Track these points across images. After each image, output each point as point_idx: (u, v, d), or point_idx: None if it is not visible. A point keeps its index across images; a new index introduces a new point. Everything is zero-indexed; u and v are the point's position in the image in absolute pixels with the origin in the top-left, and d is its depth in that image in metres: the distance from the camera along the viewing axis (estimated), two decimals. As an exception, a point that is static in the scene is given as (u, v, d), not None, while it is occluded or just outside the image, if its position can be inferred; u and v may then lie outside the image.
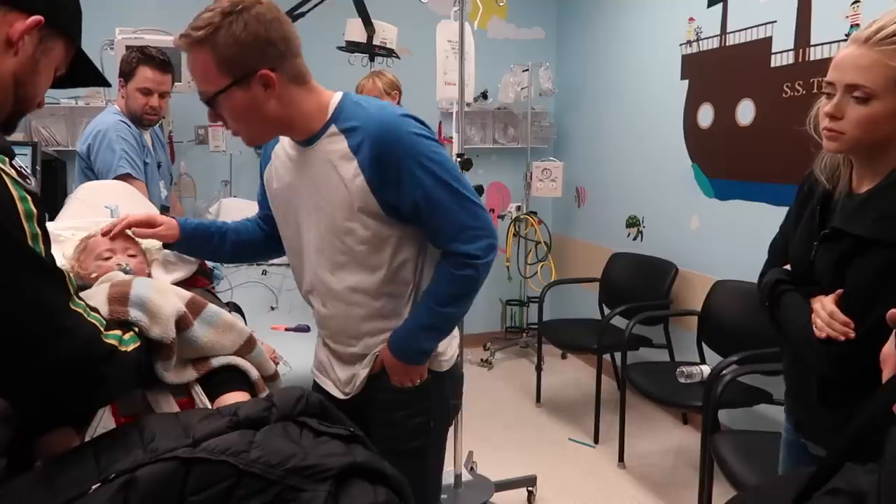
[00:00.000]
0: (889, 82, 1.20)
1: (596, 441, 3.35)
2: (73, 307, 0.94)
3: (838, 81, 1.26)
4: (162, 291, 1.21)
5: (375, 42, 3.15)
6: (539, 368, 3.91)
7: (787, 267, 1.49)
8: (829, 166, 1.39)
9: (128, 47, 3.01)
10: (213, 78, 1.26)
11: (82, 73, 1.12)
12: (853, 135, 1.26)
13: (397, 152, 1.33)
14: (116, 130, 2.39)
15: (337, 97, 1.40)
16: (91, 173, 2.39)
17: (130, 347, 1.05)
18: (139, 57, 2.46)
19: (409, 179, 1.34)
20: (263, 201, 1.64)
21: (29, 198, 0.90)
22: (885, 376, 0.80)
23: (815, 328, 1.29)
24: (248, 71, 1.25)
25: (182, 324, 1.20)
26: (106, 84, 1.24)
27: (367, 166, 1.33)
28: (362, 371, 1.49)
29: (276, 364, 1.45)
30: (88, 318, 0.97)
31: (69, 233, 1.58)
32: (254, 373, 1.32)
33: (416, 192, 1.35)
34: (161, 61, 2.47)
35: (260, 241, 1.69)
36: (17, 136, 3.57)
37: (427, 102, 3.30)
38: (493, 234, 1.43)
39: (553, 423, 3.61)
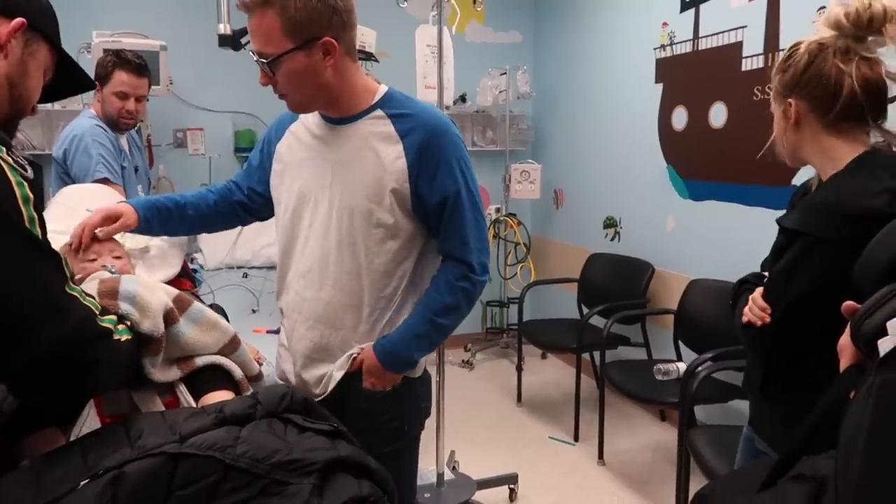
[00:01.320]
0: (775, 94, 1.37)
1: (576, 439, 3.40)
2: (69, 290, 0.97)
3: None
4: (150, 287, 1.23)
5: (354, 46, 3.18)
6: (519, 368, 3.94)
7: (761, 272, 1.55)
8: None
9: (105, 50, 3.01)
10: (277, 40, 1.29)
11: (69, 79, 1.16)
12: (779, 147, 1.42)
13: (444, 147, 1.42)
14: (93, 135, 2.38)
15: (385, 87, 1.47)
16: (68, 178, 2.38)
17: (124, 338, 1.07)
18: (115, 61, 2.45)
19: (446, 174, 1.42)
20: (256, 173, 1.63)
21: (25, 183, 0.93)
22: (842, 366, 0.83)
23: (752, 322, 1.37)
24: (312, 36, 1.30)
25: (169, 319, 1.21)
26: (92, 86, 1.25)
27: (413, 152, 1.40)
28: (337, 373, 1.50)
29: (261, 364, 1.46)
30: (84, 302, 1.00)
31: (51, 237, 1.58)
32: (238, 372, 1.33)
33: (449, 188, 1.42)
34: (137, 65, 2.47)
35: (223, 214, 1.68)
36: (-9, 140, 3.54)
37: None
38: (489, 256, 1.53)
39: (533, 422, 3.65)
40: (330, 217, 1.46)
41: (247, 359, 1.37)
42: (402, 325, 1.49)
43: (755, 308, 1.35)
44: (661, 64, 3.48)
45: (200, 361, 1.25)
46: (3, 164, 0.91)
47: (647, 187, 3.61)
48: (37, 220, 0.94)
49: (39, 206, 0.96)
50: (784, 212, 1.45)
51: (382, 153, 1.42)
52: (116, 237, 1.62)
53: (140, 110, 2.56)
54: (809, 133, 1.35)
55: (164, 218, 1.62)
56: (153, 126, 3.93)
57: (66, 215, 1.75)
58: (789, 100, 1.34)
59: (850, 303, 0.85)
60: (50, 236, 1.57)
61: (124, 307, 1.13)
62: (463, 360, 4.51)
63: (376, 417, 1.51)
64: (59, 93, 1.18)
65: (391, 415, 1.53)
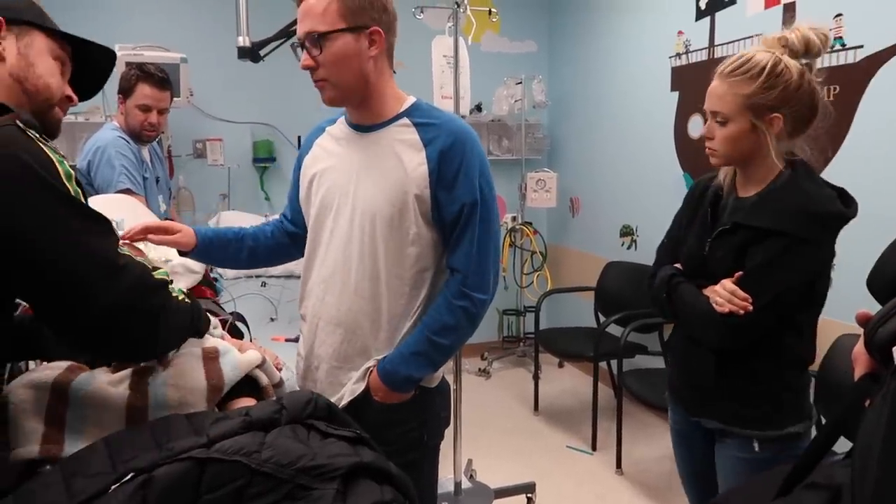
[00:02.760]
0: (739, 107, 1.46)
1: (594, 448, 3.39)
2: (121, 251, 1.03)
3: (707, 109, 1.54)
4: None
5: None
6: (536, 377, 3.94)
7: (677, 266, 1.68)
8: (722, 174, 1.64)
9: (128, 64, 3.07)
10: (332, 19, 1.36)
11: (93, 60, 1.20)
12: (722, 151, 1.53)
13: (466, 154, 1.44)
14: (115, 146, 2.43)
15: (413, 97, 1.51)
16: (91, 189, 2.43)
17: (180, 296, 1.13)
18: (138, 74, 2.50)
19: (465, 183, 1.44)
20: (295, 194, 1.66)
21: (64, 160, 0.99)
22: (857, 375, 0.84)
23: (715, 305, 1.49)
24: (364, 23, 1.38)
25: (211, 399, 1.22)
26: (113, 57, 1.25)
27: (435, 159, 1.42)
28: (354, 385, 1.50)
29: (280, 370, 1.48)
30: (137, 259, 1.05)
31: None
32: (263, 379, 1.35)
33: (466, 197, 1.44)
34: (160, 79, 2.51)
35: (279, 245, 1.72)
36: (16, 152, 3.61)
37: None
38: (496, 273, 1.53)
39: (551, 431, 3.64)
40: (352, 222, 1.48)
41: (270, 370, 1.38)
42: (402, 344, 1.49)
43: (736, 300, 1.46)
44: (676, 72, 3.49)
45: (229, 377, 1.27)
46: (42, 145, 0.97)
47: (663, 195, 3.60)
48: (80, 194, 0.99)
49: (80, 183, 1.01)
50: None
51: (406, 159, 1.44)
52: (140, 246, 1.66)
53: (162, 122, 2.61)
54: (774, 144, 1.48)
55: (222, 246, 1.65)
56: (174, 137, 3.99)
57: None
58: (776, 114, 1.46)
59: (863, 311, 0.85)
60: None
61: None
62: (480, 369, 4.51)
63: (394, 427, 1.52)
64: (94, 79, 1.22)
65: (409, 425, 1.53)
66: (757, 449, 1.53)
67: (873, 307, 0.81)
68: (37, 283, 0.96)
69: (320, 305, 1.54)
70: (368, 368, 1.51)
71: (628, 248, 3.97)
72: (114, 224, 1.76)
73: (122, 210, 1.88)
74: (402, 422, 1.53)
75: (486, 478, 2.94)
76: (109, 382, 1.18)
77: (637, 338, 3.35)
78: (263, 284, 3.56)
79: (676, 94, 3.49)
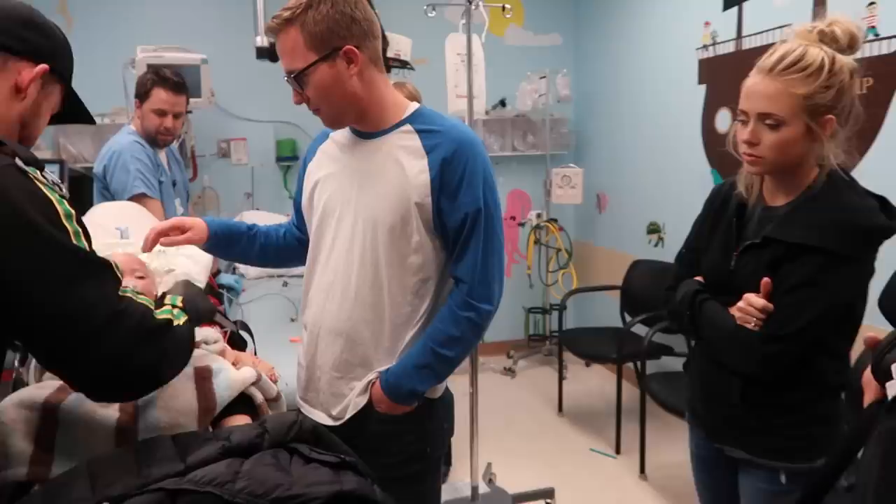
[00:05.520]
0: (795, 108, 1.32)
1: (618, 452, 3.32)
2: (122, 294, 1.00)
3: (751, 110, 1.37)
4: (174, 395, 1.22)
5: (389, 54, 3.17)
6: (560, 377, 3.88)
7: (699, 279, 1.56)
8: (745, 181, 1.50)
9: (148, 66, 3.09)
10: (302, 54, 1.34)
11: (73, 110, 1.20)
12: (770, 158, 1.37)
13: (469, 162, 1.40)
14: (131, 151, 2.44)
15: (415, 104, 1.49)
16: (108, 193, 2.45)
17: (182, 320, 1.11)
18: (154, 79, 2.50)
19: (469, 191, 1.40)
20: (300, 200, 1.64)
21: (65, 200, 0.97)
22: (866, 401, 0.80)
23: (743, 323, 1.38)
24: (334, 47, 1.34)
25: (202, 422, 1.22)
26: (91, 121, 1.28)
27: (437, 167, 1.39)
28: (357, 398, 1.48)
29: (275, 381, 1.46)
30: (138, 300, 1.03)
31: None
32: (259, 397, 1.33)
33: (470, 206, 1.40)
34: (175, 83, 2.52)
35: (289, 247, 1.71)
36: (44, 153, 3.68)
37: (445, 112, 3.31)
38: (501, 283, 1.48)
39: (575, 433, 3.58)
40: (354, 230, 1.45)
41: (266, 386, 1.36)
42: (405, 356, 1.46)
43: (752, 310, 1.37)
44: (703, 64, 3.37)
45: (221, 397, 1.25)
46: (40, 184, 0.95)
47: (690, 192, 3.49)
48: (81, 233, 0.98)
49: (81, 219, 0.99)
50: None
51: (407, 167, 1.41)
52: (143, 258, 1.65)
53: (178, 127, 2.61)
54: (830, 149, 1.36)
55: (234, 240, 1.64)
56: (197, 137, 4.02)
57: (95, 233, 1.78)
58: (830, 115, 1.33)
59: (871, 335, 0.82)
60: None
61: None
62: (505, 368, 4.47)
63: (396, 439, 1.49)
64: (58, 119, 1.20)
65: (412, 437, 1.50)
66: (784, 482, 1.42)
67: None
68: (35, 333, 0.95)
69: (321, 314, 1.52)
70: (370, 381, 1.48)
71: (655, 245, 3.87)
72: (118, 232, 1.78)
73: (127, 218, 1.89)
74: (405, 433, 1.50)
75: (506, 482, 2.90)
76: (99, 403, 1.17)
77: (664, 339, 3.26)
78: (285, 284, 3.56)
79: (704, 87, 3.38)
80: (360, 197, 1.45)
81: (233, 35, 3.88)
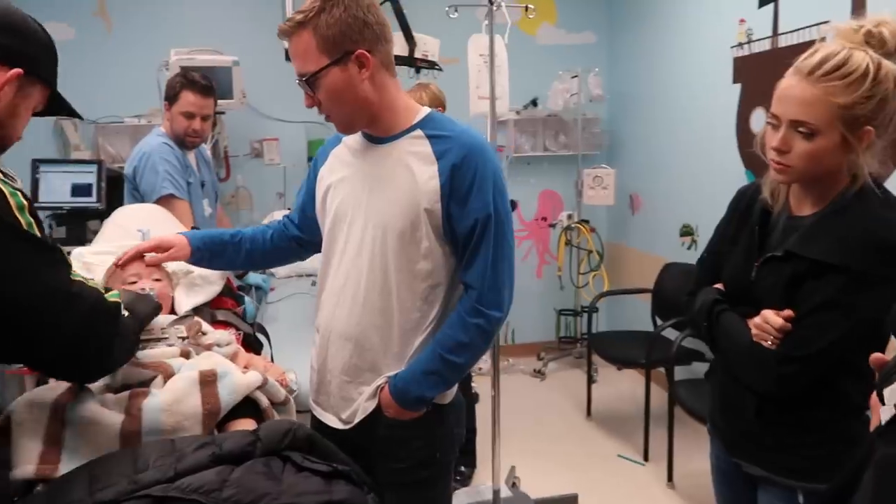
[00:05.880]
0: (832, 118, 1.21)
1: (646, 458, 3.26)
2: (74, 278, 1.06)
3: (783, 116, 1.26)
4: (179, 399, 1.23)
5: (417, 55, 3.17)
6: (589, 381, 3.83)
7: (719, 286, 1.49)
8: (770, 187, 1.41)
9: (181, 67, 3.15)
10: (313, 58, 1.34)
11: (58, 105, 1.25)
12: (800, 168, 1.27)
13: (479, 168, 1.39)
14: (160, 153, 2.48)
15: (427, 109, 1.49)
16: (137, 194, 2.50)
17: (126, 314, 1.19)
18: (182, 82, 2.54)
19: (479, 197, 1.39)
20: (307, 201, 1.65)
21: (18, 193, 1.03)
22: (872, 424, 0.77)
23: (759, 340, 1.31)
24: (345, 50, 1.34)
25: (207, 423, 1.23)
26: (78, 117, 1.33)
27: (446, 173, 1.39)
28: (366, 403, 1.48)
29: (286, 386, 1.47)
30: (89, 284, 1.09)
31: (99, 258, 1.65)
32: (264, 401, 1.34)
33: (480, 211, 1.40)
34: (203, 86, 2.55)
35: (278, 248, 1.70)
36: (83, 153, 3.78)
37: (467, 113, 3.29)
38: (510, 290, 1.46)
39: (603, 438, 3.53)
40: (364, 235, 1.45)
41: (273, 390, 1.37)
42: (414, 361, 1.45)
43: (770, 328, 1.30)
44: (738, 63, 3.28)
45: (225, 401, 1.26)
46: None
47: (724, 193, 3.34)
48: (34, 224, 1.03)
49: (34, 212, 1.05)
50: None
51: (417, 172, 1.41)
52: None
53: (206, 129, 2.65)
54: (852, 159, 1.26)
55: (218, 251, 1.65)
56: (231, 138, 4.08)
57: (118, 235, 1.83)
58: (869, 126, 1.23)
59: (878, 356, 0.78)
60: (98, 258, 1.66)
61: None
62: (535, 370, 4.43)
63: (405, 444, 1.49)
64: (44, 113, 1.25)
65: (421, 442, 1.50)
66: (802, 502, 1.35)
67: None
68: None
69: (332, 318, 1.52)
70: (379, 386, 1.48)
71: (688, 248, 3.79)
72: (139, 234, 1.81)
73: (150, 220, 1.93)
74: (414, 439, 1.50)
75: (530, 485, 2.87)
76: (105, 405, 1.19)
77: (694, 344, 3.19)
78: (314, 283, 3.58)
79: (738, 86, 3.29)
80: (371, 202, 1.45)
81: (264, 37, 3.90)
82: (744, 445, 1.45)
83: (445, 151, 1.40)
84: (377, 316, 1.46)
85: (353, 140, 1.53)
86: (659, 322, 3.59)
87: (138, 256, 1.54)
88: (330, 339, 1.53)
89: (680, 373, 3.25)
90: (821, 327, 1.26)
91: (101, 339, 1.07)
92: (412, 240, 1.42)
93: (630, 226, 4.47)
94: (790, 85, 1.25)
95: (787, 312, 1.30)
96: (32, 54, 1.13)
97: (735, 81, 3.31)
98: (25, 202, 1.02)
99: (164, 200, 2.41)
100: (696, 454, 3.27)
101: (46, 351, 1.02)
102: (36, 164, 3.45)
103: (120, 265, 1.54)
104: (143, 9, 3.95)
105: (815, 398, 1.32)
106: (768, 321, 1.31)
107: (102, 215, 2.77)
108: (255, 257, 1.69)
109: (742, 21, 3.22)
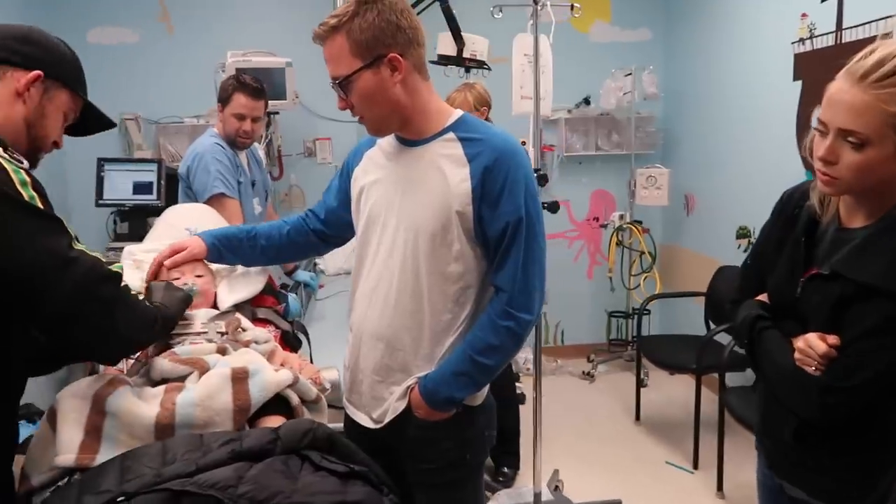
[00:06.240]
0: (885, 128, 1.11)
1: (695, 466, 3.18)
2: (75, 245, 1.13)
3: (831, 123, 1.16)
4: (212, 394, 1.27)
5: (465, 54, 3.16)
6: (639, 384, 3.75)
7: (763, 297, 1.40)
8: (819, 194, 1.31)
9: (237, 69, 3.24)
10: (346, 61, 1.36)
11: (95, 120, 1.35)
12: (848, 180, 1.18)
13: (511, 171, 1.39)
14: (212, 153, 2.56)
15: (459, 111, 1.49)
16: (191, 192, 2.58)
17: (139, 295, 1.26)
18: (234, 84, 2.61)
19: (510, 200, 1.39)
20: (335, 197, 1.68)
21: (22, 170, 1.11)
22: None
23: (802, 365, 1.24)
24: (378, 54, 1.35)
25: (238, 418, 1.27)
26: (111, 125, 1.41)
27: (478, 175, 1.39)
28: (396, 403, 1.49)
29: (319, 384, 1.49)
30: (90, 253, 1.15)
31: (149, 256, 1.72)
32: (294, 399, 1.37)
33: (511, 214, 1.39)
34: (254, 89, 2.61)
35: (295, 243, 1.74)
36: (144, 153, 3.93)
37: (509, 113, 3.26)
38: (542, 293, 1.45)
39: (651, 444, 3.46)
40: (395, 237, 1.46)
41: (304, 388, 1.40)
42: (444, 363, 1.45)
43: (813, 353, 1.21)
44: (799, 59, 3.15)
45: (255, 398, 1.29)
46: (1, 159, 1.09)
47: (783, 195, 3.28)
48: (37, 198, 1.10)
49: (39, 187, 1.12)
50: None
51: (449, 175, 1.41)
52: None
53: (257, 130, 2.71)
54: None
55: (233, 247, 1.71)
56: (284, 137, 4.17)
57: (168, 233, 1.90)
58: None
59: None
60: (148, 256, 1.72)
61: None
62: (584, 372, 4.37)
63: (435, 445, 1.49)
64: (85, 130, 1.36)
65: (450, 443, 1.50)
66: None
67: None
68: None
69: (363, 319, 1.54)
70: (409, 386, 1.49)
71: (745, 250, 3.66)
72: (187, 232, 1.88)
73: (199, 219, 1.99)
74: (443, 440, 1.50)
75: (574, 490, 2.84)
76: (143, 398, 1.24)
77: (747, 350, 3.08)
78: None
79: (799, 83, 3.16)
80: (403, 204, 1.46)
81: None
82: (786, 467, 1.39)
83: (477, 154, 1.40)
84: (408, 317, 1.47)
85: (387, 142, 1.54)
86: (712, 326, 3.49)
87: (159, 266, 1.62)
88: (362, 340, 1.55)
89: (732, 379, 3.16)
90: (867, 356, 1.17)
91: (100, 301, 1.12)
92: (443, 242, 1.42)
93: (684, 227, 4.36)
94: (840, 89, 1.15)
95: (833, 339, 1.21)
96: (51, 60, 1.23)
97: (796, 79, 3.18)
98: (28, 178, 1.10)
99: (216, 199, 2.48)
100: (748, 464, 3.15)
101: (48, 308, 1.08)
102: (101, 162, 3.62)
103: (147, 280, 1.60)
104: (202, 13, 4.08)
105: (860, 426, 1.23)
106: (812, 346, 1.23)
107: (161, 212, 2.89)
108: (270, 252, 1.73)
109: (804, 15, 3.09)
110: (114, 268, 1.20)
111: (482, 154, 1.40)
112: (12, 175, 1.08)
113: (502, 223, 1.40)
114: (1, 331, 1.13)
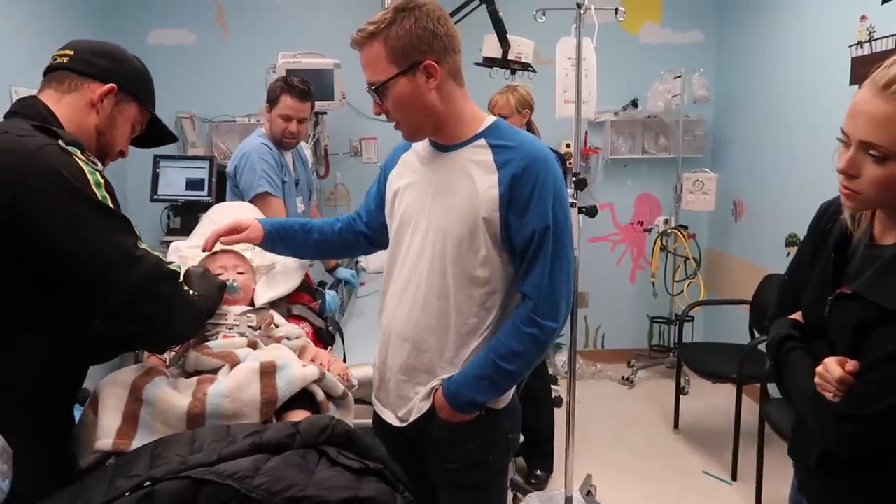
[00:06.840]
0: None
1: (734, 478, 3.12)
2: (140, 245, 1.22)
3: (852, 134, 1.12)
4: (240, 386, 1.33)
5: (510, 57, 3.17)
6: (678, 392, 3.70)
7: (796, 317, 1.34)
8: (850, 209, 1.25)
9: (287, 70, 3.32)
10: (383, 68, 1.39)
11: (160, 133, 1.44)
12: (870, 196, 1.12)
13: (539, 178, 1.41)
14: (259, 152, 2.64)
15: (492, 118, 1.50)
16: (237, 190, 2.67)
17: (191, 291, 1.34)
18: (282, 86, 2.69)
19: (538, 208, 1.41)
20: (374, 202, 1.72)
21: (97, 172, 1.20)
22: None
23: (820, 389, 1.17)
24: (414, 61, 1.38)
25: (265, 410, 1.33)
26: (174, 139, 1.50)
27: (506, 183, 1.41)
28: (421, 403, 1.52)
29: (347, 381, 1.53)
30: (153, 253, 1.24)
31: (193, 252, 1.79)
32: (319, 394, 1.42)
33: (539, 222, 1.41)
34: (301, 91, 2.68)
35: (345, 241, 1.79)
36: (197, 150, 4.07)
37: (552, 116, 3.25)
38: (568, 301, 1.46)
39: (689, 453, 3.41)
40: (425, 241, 1.50)
41: (331, 383, 1.44)
42: (467, 366, 1.47)
43: (831, 378, 1.15)
44: (857, 63, 3.05)
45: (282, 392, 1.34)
46: (78, 159, 1.18)
47: (834, 203, 3.18)
48: (109, 198, 1.19)
49: (111, 190, 1.21)
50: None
51: (478, 181, 1.43)
52: (246, 255, 1.80)
53: (302, 131, 2.79)
54: None
55: (288, 237, 1.74)
56: (331, 137, 4.25)
57: (212, 231, 1.97)
58: None
59: None
60: (193, 252, 1.79)
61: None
62: (623, 377, 4.33)
63: (458, 446, 1.52)
64: (149, 142, 1.44)
65: (473, 445, 1.52)
66: None
67: None
68: (67, 270, 1.15)
69: (392, 319, 1.58)
70: (434, 387, 1.52)
71: (794, 259, 3.57)
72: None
73: (243, 216, 2.05)
74: (467, 441, 1.52)
75: (606, 496, 2.83)
76: (177, 388, 1.31)
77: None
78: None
79: (856, 88, 3.05)
80: (434, 208, 1.49)
81: (366, 40, 4.07)
82: (814, 491, 1.34)
83: (507, 161, 1.42)
84: (434, 319, 1.50)
85: (422, 147, 1.57)
86: (756, 335, 3.42)
87: (216, 238, 1.64)
88: (390, 339, 1.59)
89: (775, 390, 3.08)
90: (887, 384, 1.11)
91: (160, 297, 1.21)
92: (470, 248, 1.44)
93: (732, 233, 4.27)
94: (863, 100, 1.11)
95: (851, 365, 1.15)
96: (124, 74, 1.33)
97: (853, 83, 3.08)
98: (102, 180, 1.19)
99: (260, 197, 2.56)
100: (788, 478, 3.08)
101: (113, 300, 1.17)
102: (157, 159, 3.76)
103: (205, 249, 1.64)
104: (255, 16, 4.19)
105: (883, 459, 1.17)
106: (829, 370, 1.17)
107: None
108: (321, 247, 1.78)
109: (863, 18, 2.99)
110: (172, 267, 1.29)
111: (512, 161, 1.42)
112: (88, 176, 1.17)
113: (529, 230, 1.41)
114: (70, 322, 1.23)
